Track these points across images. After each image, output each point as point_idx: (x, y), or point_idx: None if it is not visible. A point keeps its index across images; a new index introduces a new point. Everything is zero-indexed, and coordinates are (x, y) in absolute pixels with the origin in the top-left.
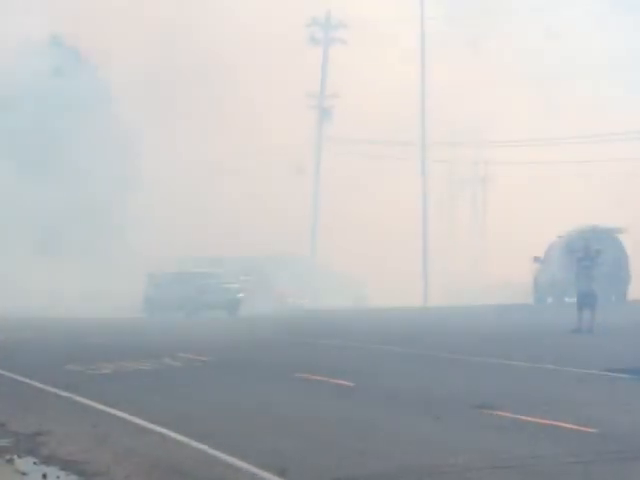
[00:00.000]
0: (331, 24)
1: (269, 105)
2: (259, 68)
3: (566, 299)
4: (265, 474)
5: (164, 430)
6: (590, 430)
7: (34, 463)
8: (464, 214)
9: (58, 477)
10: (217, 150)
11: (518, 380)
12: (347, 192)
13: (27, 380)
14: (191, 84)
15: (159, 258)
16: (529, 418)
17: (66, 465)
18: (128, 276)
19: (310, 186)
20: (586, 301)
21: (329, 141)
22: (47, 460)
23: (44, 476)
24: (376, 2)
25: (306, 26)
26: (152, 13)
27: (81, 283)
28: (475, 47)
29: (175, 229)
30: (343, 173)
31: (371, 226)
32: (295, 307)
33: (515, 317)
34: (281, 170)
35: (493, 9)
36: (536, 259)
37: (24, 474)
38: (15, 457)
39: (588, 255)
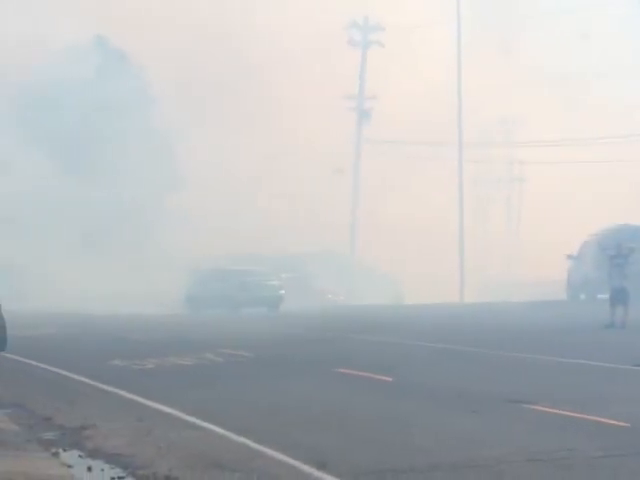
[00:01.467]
0: (369, 27)
1: (308, 107)
2: (298, 70)
3: (599, 296)
4: (305, 467)
5: (206, 424)
6: (622, 424)
7: (79, 456)
8: (498, 213)
9: (102, 470)
10: (257, 151)
11: (552, 375)
12: (384, 192)
13: (73, 375)
14: (231, 86)
15: (200, 256)
16: (562, 412)
17: (111, 458)
18: (170, 274)
19: (349, 186)
20: (619, 297)
21: (367, 142)
22: (92, 453)
23: (89, 469)
24: (412, 6)
25: (344, 29)
26: (194, 15)
27: (123, 281)
28: (507, 48)
29: (216, 228)
30: (381, 173)
31: (408, 225)
32: (334, 304)
33: (549, 313)
34: (320, 171)
35: (524, 11)
36: (569, 257)
37: (69, 467)
38: (61, 450)
39: (620, 253)
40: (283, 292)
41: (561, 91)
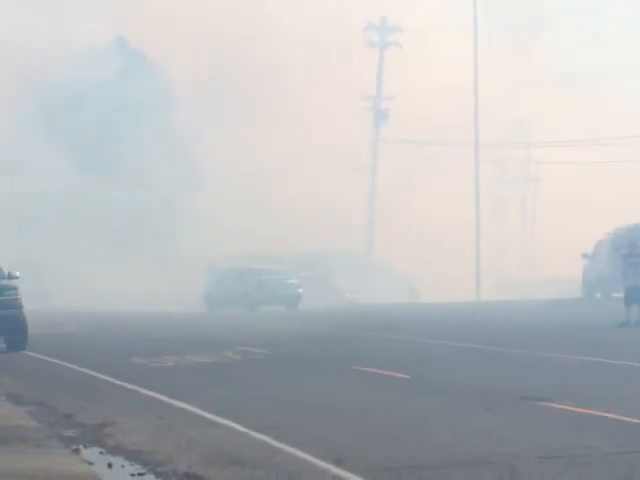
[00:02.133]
0: (387, 28)
1: (325, 107)
2: (316, 71)
3: (614, 294)
4: (322, 464)
5: (226, 421)
6: (638, 422)
7: (100, 453)
8: (514, 213)
9: (123, 466)
10: (275, 151)
11: (567, 372)
12: (402, 191)
13: (94, 372)
14: (249, 86)
15: (219, 255)
16: (577, 409)
17: (131, 455)
18: (188, 273)
19: (366, 186)
20: (634, 296)
21: (384, 142)
22: (112, 450)
23: (109, 465)
24: (429, 7)
25: (362, 30)
26: (213, 17)
27: (144, 280)
28: (523, 48)
29: (235, 227)
30: (398, 173)
31: (424, 224)
32: (351, 302)
33: (564, 312)
34: (338, 170)
35: (540, 11)
36: (584, 256)
37: (90, 464)
38: (81, 447)
39: (634, 252)
40: (301, 290)
41: (577, 91)
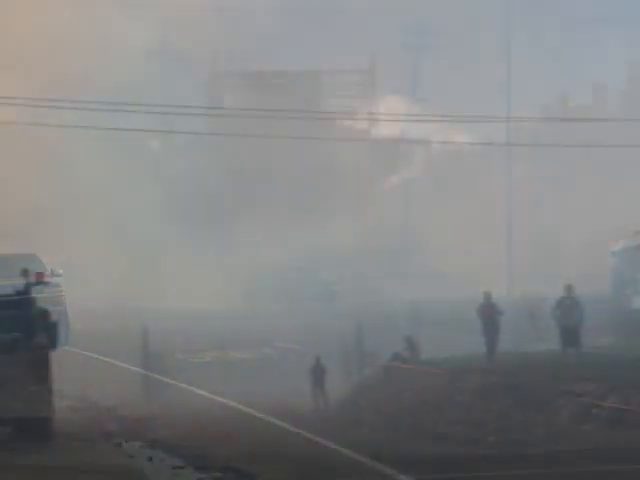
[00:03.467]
0: (422, 31)
1: None
2: None
3: None
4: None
5: (262, 415)
6: None
7: (140, 447)
8: (545, 208)
9: (162, 460)
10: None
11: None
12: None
13: (134, 367)
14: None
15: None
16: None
17: (171, 448)
18: (232, 268)
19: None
20: None
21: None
22: (152, 444)
23: (149, 459)
24: (460, 9)
25: (398, 34)
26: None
27: (187, 276)
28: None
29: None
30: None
31: (457, 220)
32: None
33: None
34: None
35: (571, 16)
36: (613, 253)
37: (131, 457)
38: (123, 441)
39: None
40: (337, 288)
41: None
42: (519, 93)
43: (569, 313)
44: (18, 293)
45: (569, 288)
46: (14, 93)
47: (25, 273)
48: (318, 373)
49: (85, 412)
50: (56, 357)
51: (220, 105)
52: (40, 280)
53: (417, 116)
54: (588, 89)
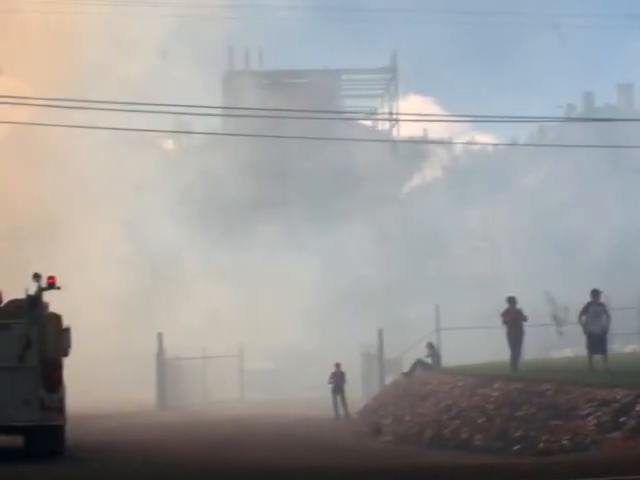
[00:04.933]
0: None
1: None
2: None
3: None
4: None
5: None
6: None
7: None
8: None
9: None
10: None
11: None
12: None
13: None
14: None
15: None
16: None
17: None
18: None
19: None
20: None
21: None
22: None
23: None
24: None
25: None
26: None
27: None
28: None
29: None
30: None
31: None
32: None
33: None
34: None
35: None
36: None
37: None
38: None
39: None
40: None
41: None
42: (544, 93)
43: (596, 319)
44: None
45: (596, 293)
46: (24, 93)
47: (37, 277)
48: (338, 378)
49: None
50: None
51: (237, 105)
52: (52, 284)
53: (439, 116)
54: (613, 88)
